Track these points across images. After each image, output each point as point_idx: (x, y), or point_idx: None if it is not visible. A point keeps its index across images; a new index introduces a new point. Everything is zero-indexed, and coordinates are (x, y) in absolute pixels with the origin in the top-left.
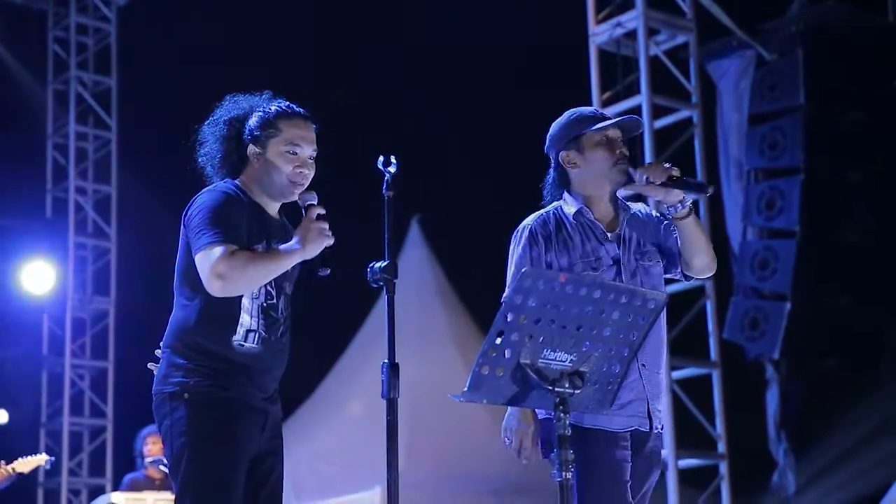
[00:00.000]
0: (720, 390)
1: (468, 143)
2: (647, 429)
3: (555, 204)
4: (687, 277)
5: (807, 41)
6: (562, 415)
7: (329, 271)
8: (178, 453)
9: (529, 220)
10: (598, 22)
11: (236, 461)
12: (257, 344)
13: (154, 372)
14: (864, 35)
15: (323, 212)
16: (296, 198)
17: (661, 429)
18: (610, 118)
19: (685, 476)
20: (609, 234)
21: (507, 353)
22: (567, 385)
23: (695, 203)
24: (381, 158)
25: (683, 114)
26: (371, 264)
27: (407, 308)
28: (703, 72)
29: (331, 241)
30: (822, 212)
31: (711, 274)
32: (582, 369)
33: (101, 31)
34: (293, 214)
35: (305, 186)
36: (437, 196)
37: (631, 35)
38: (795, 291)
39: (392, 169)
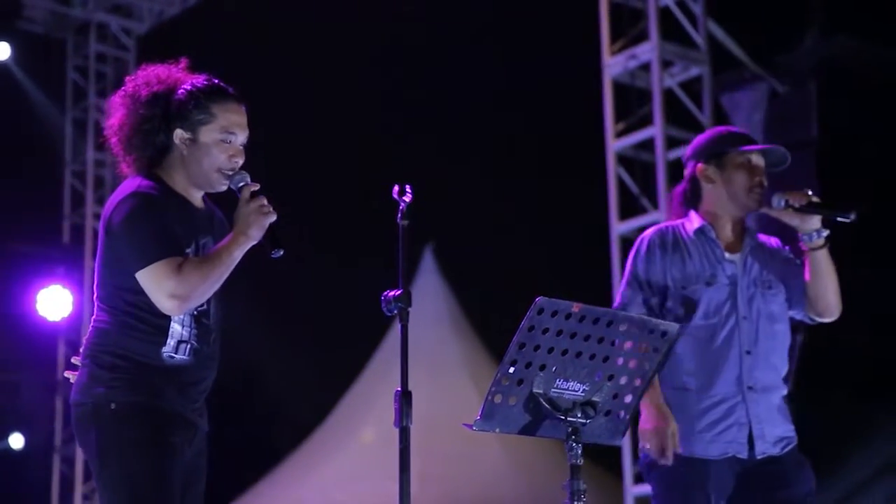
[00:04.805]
0: None
1: (482, 172)
2: (745, 455)
3: (677, 221)
4: (811, 319)
5: (820, 75)
6: (573, 444)
7: (282, 252)
8: (107, 463)
9: (649, 232)
10: (613, 54)
11: (172, 467)
12: (188, 355)
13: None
14: (878, 69)
15: (257, 188)
16: (225, 188)
17: (783, 451)
18: (759, 145)
19: None
20: (727, 255)
21: (520, 383)
22: (579, 414)
23: None
24: (395, 188)
25: None
26: (385, 293)
27: (420, 336)
28: (717, 104)
29: (273, 217)
30: (834, 246)
31: (833, 318)
32: (594, 399)
33: (120, 59)
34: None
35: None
36: (450, 224)
37: (645, 67)
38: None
39: (407, 198)
